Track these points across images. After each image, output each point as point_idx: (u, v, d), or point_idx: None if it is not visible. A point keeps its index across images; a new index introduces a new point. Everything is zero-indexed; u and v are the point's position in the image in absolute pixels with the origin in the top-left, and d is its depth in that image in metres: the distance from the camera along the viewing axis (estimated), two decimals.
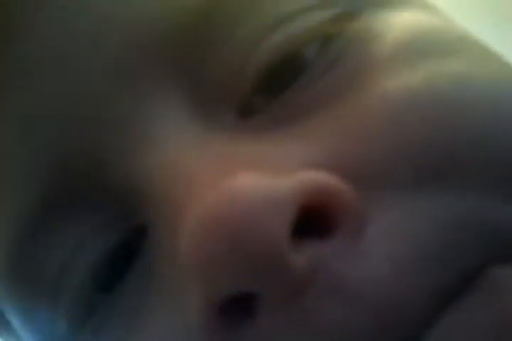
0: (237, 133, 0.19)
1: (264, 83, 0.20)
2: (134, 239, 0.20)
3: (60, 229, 0.20)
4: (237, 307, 0.16)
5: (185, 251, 0.17)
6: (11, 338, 0.26)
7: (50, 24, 0.20)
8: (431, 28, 0.22)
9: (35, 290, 0.21)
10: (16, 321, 0.23)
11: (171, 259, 0.18)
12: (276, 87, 0.20)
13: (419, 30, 0.21)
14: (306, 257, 0.16)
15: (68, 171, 0.20)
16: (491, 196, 0.17)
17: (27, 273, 0.21)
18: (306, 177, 0.17)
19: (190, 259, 0.16)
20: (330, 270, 0.16)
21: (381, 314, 0.16)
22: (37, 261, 0.21)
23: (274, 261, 0.16)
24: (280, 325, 0.16)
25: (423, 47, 0.20)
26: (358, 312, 0.16)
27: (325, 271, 0.16)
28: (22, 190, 0.21)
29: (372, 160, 0.18)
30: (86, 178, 0.20)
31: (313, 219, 0.17)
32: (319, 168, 0.17)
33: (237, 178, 0.16)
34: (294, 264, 0.16)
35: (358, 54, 0.20)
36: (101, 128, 0.20)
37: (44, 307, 0.21)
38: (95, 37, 0.20)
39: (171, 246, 0.18)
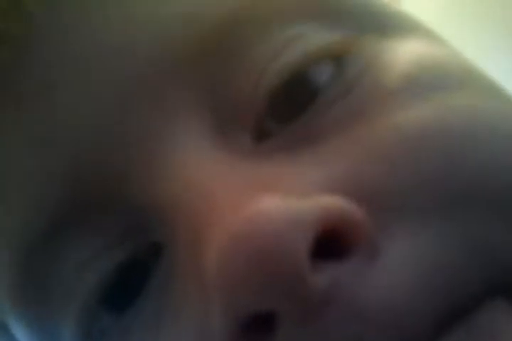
0: (254, 155, 0.20)
1: (277, 106, 0.21)
2: (147, 256, 0.20)
3: (72, 242, 0.21)
4: (258, 324, 0.17)
5: (211, 271, 0.17)
6: None
7: (74, 36, 0.21)
8: (439, 60, 0.22)
9: (42, 304, 0.21)
10: (20, 335, 0.23)
11: (191, 278, 0.19)
12: (290, 111, 0.21)
13: (428, 62, 0.22)
14: (324, 278, 0.17)
15: (85, 185, 0.20)
16: (500, 226, 0.18)
17: (34, 286, 0.21)
18: (325, 201, 0.17)
19: (216, 279, 0.17)
20: (346, 290, 0.17)
21: (394, 333, 0.16)
22: (45, 274, 0.21)
23: (295, 281, 0.16)
24: None
25: (432, 80, 0.21)
26: (373, 330, 0.16)
27: (342, 291, 0.17)
28: (36, 201, 0.21)
29: (386, 187, 0.18)
30: (103, 194, 0.20)
31: (329, 242, 0.17)
32: (336, 191, 0.18)
33: (260, 201, 0.17)
34: (314, 285, 0.16)
35: (371, 82, 0.21)
36: (121, 146, 0.20)
37: (50, 321, 0.22)
38: (117, 52, 0.20)
39: (193, 265, 0.19)
